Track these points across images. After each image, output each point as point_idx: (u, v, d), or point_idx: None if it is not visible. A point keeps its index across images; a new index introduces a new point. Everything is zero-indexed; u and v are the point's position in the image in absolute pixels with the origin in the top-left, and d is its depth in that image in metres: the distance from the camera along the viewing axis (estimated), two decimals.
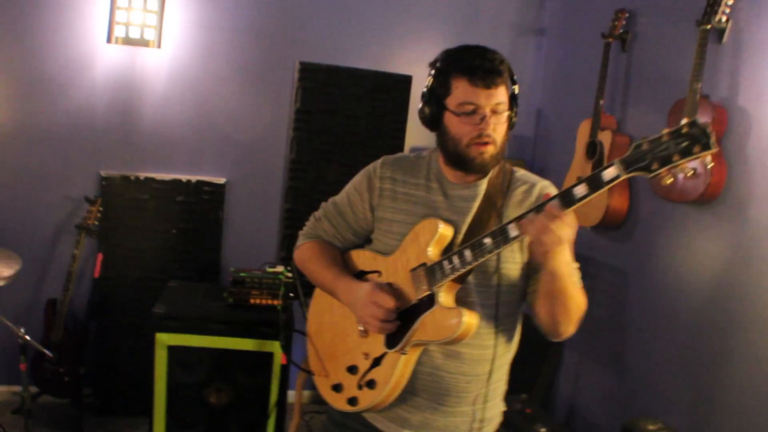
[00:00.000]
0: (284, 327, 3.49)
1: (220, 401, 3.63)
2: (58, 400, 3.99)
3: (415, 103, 4.26)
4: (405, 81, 4.34)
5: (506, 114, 1.92)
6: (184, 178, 4.13)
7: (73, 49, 3.89)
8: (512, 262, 1.97)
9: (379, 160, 2.16)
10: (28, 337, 3.03)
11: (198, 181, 4.15)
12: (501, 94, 1.88)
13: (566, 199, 1.67)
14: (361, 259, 2.16)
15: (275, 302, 3.66)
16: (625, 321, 3.73)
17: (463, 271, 1.86)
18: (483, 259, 1.82)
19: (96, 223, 3.90)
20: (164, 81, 4.03)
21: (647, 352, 3.58)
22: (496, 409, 2.14)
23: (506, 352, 2.08)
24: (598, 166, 3.73)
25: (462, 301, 1.94)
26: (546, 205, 1.68)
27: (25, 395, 3.09)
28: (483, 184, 1.98)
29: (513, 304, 2.03)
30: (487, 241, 1.79)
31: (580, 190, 1.65)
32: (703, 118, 3.09)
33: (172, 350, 3.51)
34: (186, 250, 4.21)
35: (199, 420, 3.64)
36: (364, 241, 2.21)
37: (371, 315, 1.94)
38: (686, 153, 1.54)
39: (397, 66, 4.35)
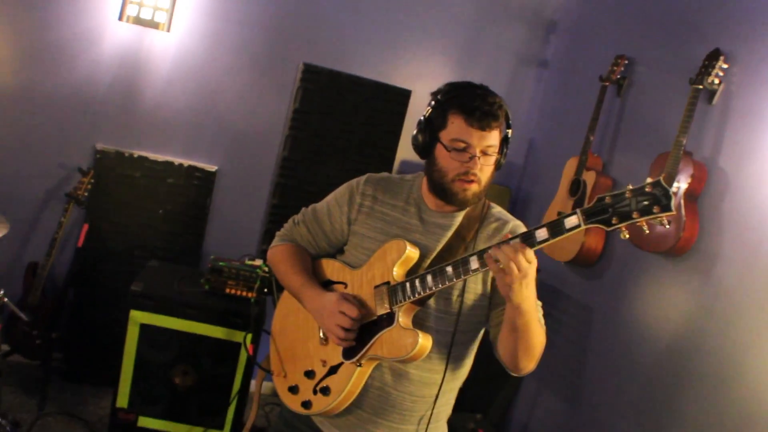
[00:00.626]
0: (254, 321, 3.58)
1: (185, 383, 3.71)
2: (28, 361, 4.06)
3: (412, 118, 4.40)
4: (404, 95, 4.42)
5: (495, 157, 2.01)
6: (176, 161, 4.20)
7: (84, 22, 3.95)
8: (474, 293, 2.06)
9: (364, 177, 2.23)
10: (6, 299, 3.10)
11: (190, 166, 4.22)
12: (494, 138, 1.97)
13: (527, 240, 1.74)
14: (330, 268, 2.24)
15: (250, 294, 3.74)
16: (585, 357, 3.84)
17: (423, 295, 1.95)
18: (443, 287, 1.91)
19: (86, 194, 3.96)
20: (169, 64, 4.10)
21: (603, 390, 3.70)
22: (439, 431, 2.25)
23: (455, 378, 2.18)
24: (579, 204, 3.84)
25: (419, 324, 2.03)
26: (510, 242, 1.75)
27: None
28: (459, 216, 2.08)
29: (469, 334, 2.13)
30: (449, 270, 1.88)
31: (542, 233, 1.73)
32: (683, 174, 3.21)
33: (144, 328, 3.58)
34: (170, 231, 4.28)
35: (162, 398, 3.72)
36: (337, 251, 2.29)
37: (336, 323, 2.04)
38: (645, 212, 1.60)
39: (398, 79, 4.43)
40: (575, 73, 4.42)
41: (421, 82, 4.44)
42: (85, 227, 4.04)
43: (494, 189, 4.42)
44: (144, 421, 3.70)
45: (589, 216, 1.67)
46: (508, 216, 2.16)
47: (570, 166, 3.97)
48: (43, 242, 4.03)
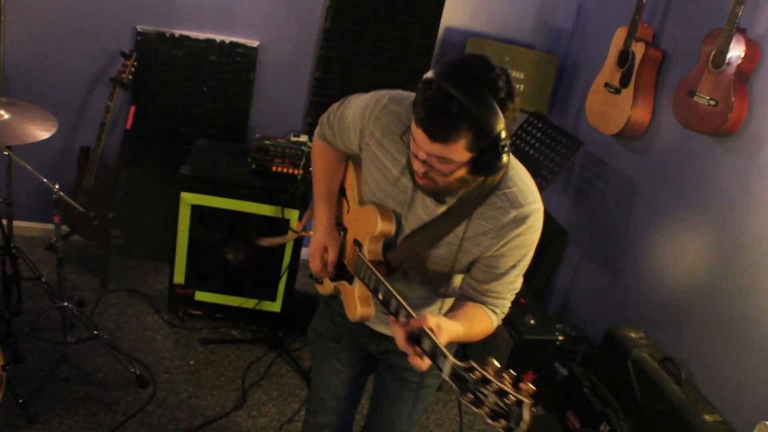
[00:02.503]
0: (300, 198, 3.70)
1: (237, 259, 3.88)
2: (87, 241, 4.26)
3: None
4: None
5: (458, 172, 1.73)
6: (218, 38, 4.15)
7: None
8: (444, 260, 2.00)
9: (379, 106, 1.98)
10: (61, 193, 3.22)
11: (231, 42, 4.18)
12: (448, 151, 1.66)
13: (414, 337, 1.70)
14: (348, 182, 2.26)
15: (296, 171, 3.82)
16: (628, 230, 3.86)
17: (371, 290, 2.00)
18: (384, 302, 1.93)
19: (130, 77, 3.98)
20: None
21: (643, 264, 3.75)
22: None
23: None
24: (627, 76, 3.74)
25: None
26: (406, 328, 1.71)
27: (57, 245, 3.32)
28: (450, 202, 1.91)
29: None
30: (379, 296, 1.93)
31: (426, 343, 1.66)
32: (734, 52, 3.08)
33: (195, 209, 3.73)
34: (216, 108, 4.31)
35: (216, 274, 3.91)
36: None
37: (313, 259, 2.24)
38: (492, 416, 1.48)
39: None
40: None
41: None
42: (132, 109, 4.09)
43: (541, 57, 4.30)
44: (200, 296, 3.93)
45: (452, 374, 1.57)
46: (514, 200, 1.85)
47: (619, 36, 3.83)
48: (92, 127, 4.12)
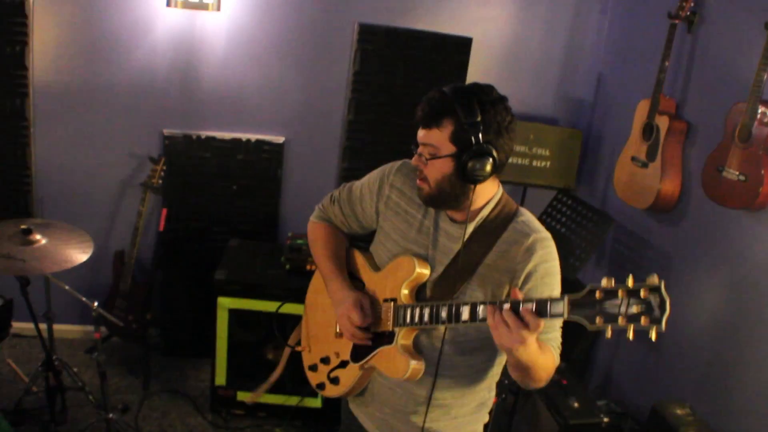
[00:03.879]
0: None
1: (277, 358, 3.88)
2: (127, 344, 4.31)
3: (474, 65, 4.27)
4: (464, 43, 4.28)
5: (438, 160, 1.91)
6: (244, 137, 4.24)
7: (134, 12, 3.95)
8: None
9: (397, 164, 2.18)
10: (101, 310, 3.27)
11: (258, 140, 4.26)
12: (433, 137, 1.90)
13: (515, 308, 1.67)
14: (357, 261, 2.28)
15: None
16: None
17: (420, 327, 1.98)
18: (439, 326, 1.92)
19: (160, 181, 4.07)
20: (224, 42, 4.08)
21: (681, 336, 3.70)
22: (471, 426, 2.27)
23: (474, 389, 2.17)
24: (654, 150, 3.74)
25: (428, 335, 2.06)
26: (502, 309, 1.69)
27: (100, 359, 3.36)
28: (470, 227, 2.00)
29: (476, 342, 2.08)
30: (443, 314, 1.87)
31: (528, 306, 1.64)
32: (761, 124, 3.07)
33: (233, 312, 3.76)
34: (246, 206, 4.38)
35: (257, 373, 3.89)
36: (369, 233, 2.31)
37: (344, 325, 2.12)
38: (632, 320, 1.47)
39: (456, 27, 4.28)
40: (642, 4, 4.19)
41: (481, 27, 4.30)
42: (164, 212, 4.16)
43: (565, 132, 4.32)
44: (242, 395, 3.93)
45: (574, 307, 1.57)
46: (534, 225, 2.01)
47: (642, 109, 3.83)
48: (125, 231, 4.21)
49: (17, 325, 3.84)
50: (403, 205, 2.12)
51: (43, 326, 3.43)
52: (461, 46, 4.28)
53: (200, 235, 4.36)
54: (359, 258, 2.27)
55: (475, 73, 4.28)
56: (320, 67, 4.24)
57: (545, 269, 1.96)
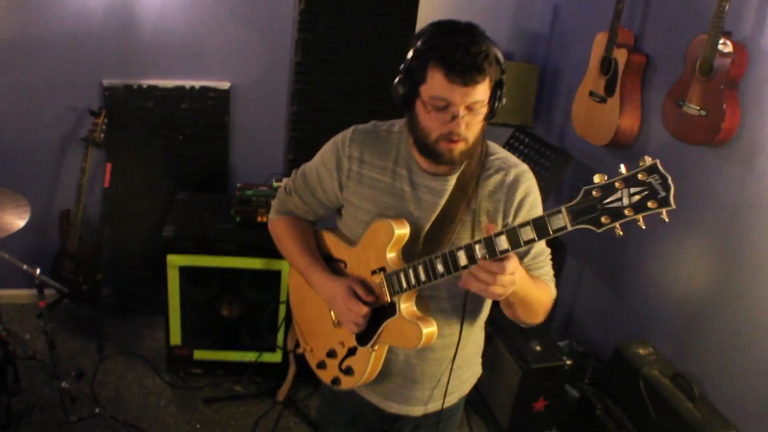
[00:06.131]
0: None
1: (232, 314, 3.80)
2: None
3: None
4: None
5: (484, 111, 1.78)
6: (187, 84, 4.03)
7: None
8: None
9: (349, 133, 2.02)
10: (44, 277, 3.13)
11: (202, 87, 4.06)
12: (480, 92, 1.72)
13: (513, 239, 1.60)
14: (330, 243, 2.14)
15: None
16: (628, 241, 3.75)
17: (419, 288, 1.86)
18: (438, 282, 1.79)
19: (101, 135, 3.87)
20: None
21: (644, 276, 3.65)
22: (472, 369, 2.24)
23: (471, 333, 2.11)
24: (612, 84, 3.62)
25: (429, 295, 1.95)
26: (488, 262, 1.62)
27: (47, 328, 3.23)
28: (453, 179, 1.90)
29: None
30: (439, 267, 1.76)
31: (527, 233, 1.57)
32: (722, 58, 2.95)
33: (184, 269, 3.64)
34: (194, 155, 4.20)
35: (212, 331, 3.83)
36: (334, 212, 2.17)
37: (347, 319, 1.97)
38: (639, 208, 1.42)
39: None
40: None
41: None
42: (109, 166, 3.99)
43: (520, 67, 4.17)
44: (199, 354, 3.85)
45: (575, 216, 1.49)
46: (510, 160, 1.95)
47: (599, 42, 3.68)
48: (70, 189, 4.01)
49: None
50: (367, 173, 1.98)
51: None
52: None
53: (147, 189, 4.18)
54: (330, 238, 2.13)
55: (426, 6, 4.08)
56: (264, 6, 4.00)
57: (531, 201, 1.92)
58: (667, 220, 1.40)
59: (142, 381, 3.85)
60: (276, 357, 3.85)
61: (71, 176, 4.00)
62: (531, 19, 4.35)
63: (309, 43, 4.06)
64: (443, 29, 1.75)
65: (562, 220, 1.51)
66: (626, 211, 1.43)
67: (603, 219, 1.46)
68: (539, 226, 1.55)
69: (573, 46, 4.18)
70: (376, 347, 2.01)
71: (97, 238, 4.06)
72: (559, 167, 3.74)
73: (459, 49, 1.68)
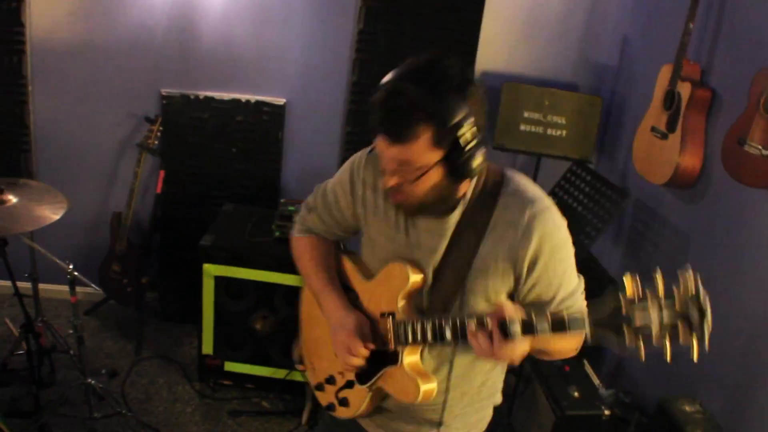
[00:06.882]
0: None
1: (265, 328, 3.76)
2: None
3: (488, 25, 3.98)
4: (477, 0, 3.97)
5: (431, 176, 1.59)
6: (243, 97, 4.07)
7: None
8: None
9: (365, 154, 1.91)
10: (76, 273, 3.17)
11: (257, 101, 4.08)
12: (409, 152, 1.55)
13: (527, 328, 1.49)
14: (348, 270, 2.03)
15: None
16: None
17: (425, 346, 1.76)
18: (443, 345, 1.70)
19: (156, 142, 3.95)
20: None
21: None
22: (479, 413, 2.07)
23: (467, 379, 1.95)
24: (674, 119, 3.40)
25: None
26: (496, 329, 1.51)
27: (77, 323, 3.27)
28: (454, 217, 1.73)
29: None
30: (448, 334, 1.63)
31: (542, 324, 1.47)
32: None
33: (219, 280, 3.63)
34: (246, 169, 4.22)
35: (244, 344, 3.79)
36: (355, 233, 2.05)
37: (344, 356, 1.86)
38: (670, 338, 1.36)
39: None
40: None
41: None
42: (162, 173, 4.06)
43: (583, 99, 3.98)
44: (229, 366, 3.82)
45: (599, 327, 1.43)
46: (527, 195, 1.71)
47: (664, 75, 3.48)
48: (124, 192, 4.10)
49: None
50: (381, 204, 1.85)
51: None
52: (473, 3, 3.98)
53: (198, 198, 4.23)
54: (349, 265, 2.03)
55: (488, 33, 3.99)
56: (324, 26, 4.01)
57: (552, 246, 1.68)
58: (696, 360, 1.30)
59: (172, 386, 3.86)
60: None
61: (125, 180, 4.08)
62: (598, 49, 4.17)
63: (366, 64, 4.03)
64: (381, 87, 1.61)
65: (583, 325, 1.45)
66: (654, 339, 1.36)
67: (628, 341, 1.39)
68: (557, 321, 1.47)
69: (640, 79, 3.96)
70: (373, 388, 1.90)
71: (146, 243, 4.12)
72: (615, 206, 3.52)
73: (385, 106, 1.57)
